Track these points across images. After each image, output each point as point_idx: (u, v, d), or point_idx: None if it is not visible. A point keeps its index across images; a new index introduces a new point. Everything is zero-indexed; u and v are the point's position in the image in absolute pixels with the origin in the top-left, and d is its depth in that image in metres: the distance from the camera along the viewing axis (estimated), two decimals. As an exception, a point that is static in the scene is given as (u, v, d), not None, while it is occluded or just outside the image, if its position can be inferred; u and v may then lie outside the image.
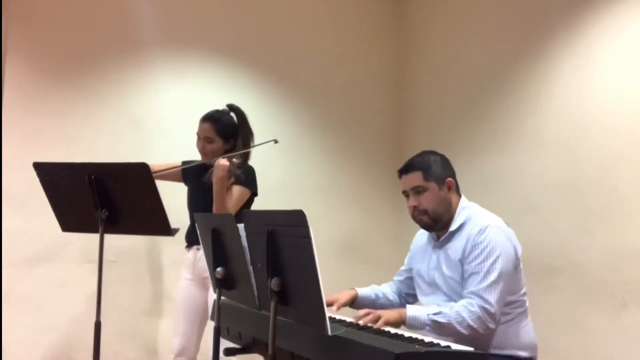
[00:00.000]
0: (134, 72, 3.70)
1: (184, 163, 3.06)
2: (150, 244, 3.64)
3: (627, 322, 2.94)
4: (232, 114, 2.97)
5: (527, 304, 2.35)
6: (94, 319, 2.40)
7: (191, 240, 2.95)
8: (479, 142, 3.82)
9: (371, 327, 2.03)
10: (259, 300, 1.92)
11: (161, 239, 3.54)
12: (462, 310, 2.11)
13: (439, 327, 2.11)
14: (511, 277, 2.23)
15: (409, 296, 2.61)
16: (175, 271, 3.19)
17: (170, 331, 3.07)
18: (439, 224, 2.37)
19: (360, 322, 2.06)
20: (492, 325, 2.13)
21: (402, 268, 2.66)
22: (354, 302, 2.50)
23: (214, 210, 2.75)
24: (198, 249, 2.89)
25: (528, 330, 2.32)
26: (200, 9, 3.89)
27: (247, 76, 4.00)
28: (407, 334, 1.93)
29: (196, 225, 2.35)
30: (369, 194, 4.34)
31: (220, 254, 2.10)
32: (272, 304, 1.71)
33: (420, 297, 2.49)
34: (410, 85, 4.44)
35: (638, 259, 2.91)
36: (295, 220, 1.62)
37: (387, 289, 2.63)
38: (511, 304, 2.26)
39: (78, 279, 3.40)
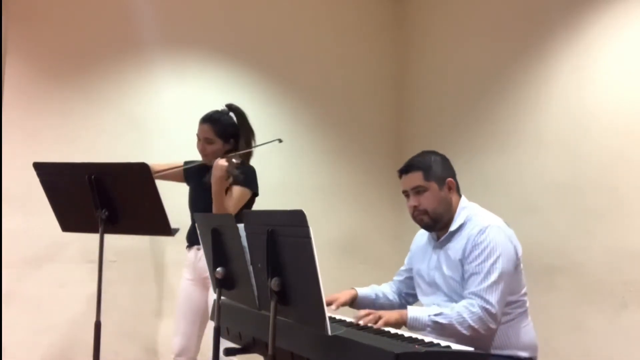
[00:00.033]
0: (134, 72, 3.70)
1: (186, 163, 3.06)
2: (150, 244, 3.64)
3: (627, 322, 2.94)
4: (232, 114, 2.97)
5: (528, 304, 2.35)
6: (94, 319, 2.41)
7: (192, 240, 2.94)
8: (479, 142, 3.82)
9: (371, 327, 2.03)
10: (259, 300, 1.92)
11: (161, 239, 3.54)
12: (463, 311, 2.11)
13: (440, 328, 2.11)
14: (512, 277, 2.23)
15: (409, 296, 2.61)
16: (176, 271, 3.19)
17: (171, 331, 3.07)
18: (439, 224, 2.37)
19: (361, 322, 2.06)
20: (493, 326, 2.13)
21: (402, 268, 2.66)
22: (354, 302, 2.50)
23: (214, 210, 2.75)
24: (199, 249, 2.88)
25: (528, 331, 2.32)
26: (200, 9, 3.89)
27: (247, 76, 4.00)
28: (407, 334, 1.93)
29: (196, 225, 2.35)
30: (369, 194, 4.34)
31: (220, 254, 2.10)
32: (272, 304, 1.71)
33: (420, 297, 2.49)
34: (410, 85, 4.44)
35: (638, 259, 2.91)
36: (295, 220, 1.62)
37: (387, 289, 2.63)
38: (512, 304, 2.26)
39: (78, 279, 3.40)
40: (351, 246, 4.23)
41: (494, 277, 2.15)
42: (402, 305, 2.53)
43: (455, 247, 2.31)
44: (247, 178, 2.84)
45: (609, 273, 3.02)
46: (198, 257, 2.90)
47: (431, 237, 2.47)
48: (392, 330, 2.00)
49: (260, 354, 2.18)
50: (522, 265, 2.32)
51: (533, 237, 3.26)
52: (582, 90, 3.21)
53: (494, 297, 2.13)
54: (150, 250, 3.65)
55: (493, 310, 2.11)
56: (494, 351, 2.23)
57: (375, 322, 2.06)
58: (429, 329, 2.11)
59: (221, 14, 3.95)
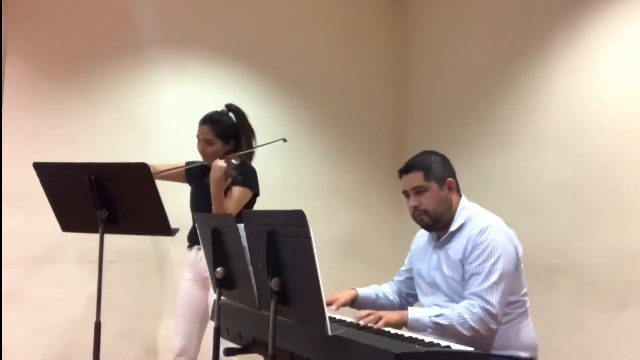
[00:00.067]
0: (134, 72, 3.70)
1: (188, 164, 3.06)
2: (150, 244, 3.64)
3: (627, 322, 2.94)
4: (231, 114, 2.97)
5: (528, 304, 2.35)
6: (94, 319, 2.40)
7: (193, 240, 2.94)
8: (479, 142, 3.82)
9: (371, 327, 2.02)
10: (259, 300, 1.92)
11: (161, 239, 3.53)
12: (463, 312, 2.11)
13: (441, 329, 2.10)
14: (512, 278, 2.22)
15: (409, 296, 2.61)
16: (176, 271, 3.19)
17: (171, 331, 3.07)
18: (439, 224, 2.37)
19: (361, 323, 2.06)
20: (494, 326, 2.13)
21: (403, 268, 2.66)
22: (354, 302, 2.50)
23: (213, 211, 2.75)
24: (199, 249, 2.88)
25: (529, 331, 2.32)
26: (200, 9, 3.89)
27: (247, 76, 4.00)
28: (407, 334, 1.93)
29: (196, 225, 2.35)
30: (369, 194, 4.34)
31: (220, 254, 2.10)
32: (272, 304, 1.71)
33: (420, 297, 2.49)
34: (410, 85, 4.44)
35: (638, 259, 2.91)
36: (295, 220, 1.62)
37: (387, 289, 2.63)
38: (512, 304, 2.26)
39: (78, 279, 3.40)
40: (351, 246, 4.23)
41: (494, 277, 2.15)
42: (403, 306, 2.54)
43: (456, 247, 2.30)
44: (247, 178, 2.84)
45: (609, 273, 3.02)
46: (199, 257, 2.90)
47: (431, 237, 2.47)
48: (392, 331, 2.00)
49: (260, 354, 2.18)
50: (522, 265, 2.32)
51: (533, 237, 3.26)
52: (582, 90, 3.21)
53: (494, 298, 2.12)
54: (150, 250, 3.65)
55: (494, 311, 2.11)
56: (494, 351, 2.23)
57: (376, 323, 2.06)
58: (429, 330, 2.11)
59: (221, 14, 3.95)
